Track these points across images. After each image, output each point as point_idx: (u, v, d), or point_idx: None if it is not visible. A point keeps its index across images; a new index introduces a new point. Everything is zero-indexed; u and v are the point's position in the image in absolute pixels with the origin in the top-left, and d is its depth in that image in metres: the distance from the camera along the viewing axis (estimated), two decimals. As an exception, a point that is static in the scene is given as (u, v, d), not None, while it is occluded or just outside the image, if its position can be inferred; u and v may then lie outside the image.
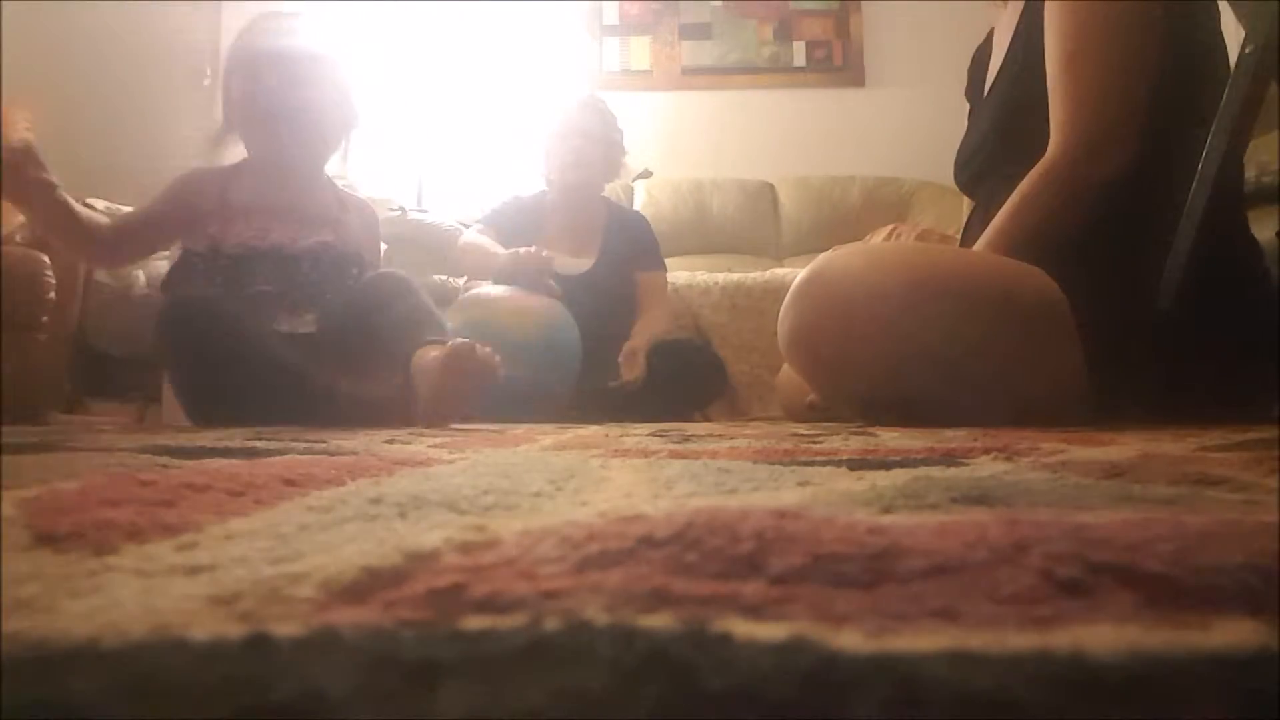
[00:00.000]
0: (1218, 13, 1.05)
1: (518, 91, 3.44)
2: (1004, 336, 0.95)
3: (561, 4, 3.63)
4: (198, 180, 1.38)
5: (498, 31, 3.53)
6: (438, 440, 0.73)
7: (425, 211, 2.92)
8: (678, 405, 1.81)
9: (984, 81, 1.25)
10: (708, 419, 1.94)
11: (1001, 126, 1.12)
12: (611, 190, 3.01)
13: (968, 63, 1.34)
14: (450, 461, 0.45)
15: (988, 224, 1.07)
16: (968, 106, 1.32)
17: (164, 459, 0.47)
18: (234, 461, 0.41)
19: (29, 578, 0.18)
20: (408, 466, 0.41)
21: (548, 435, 0.86)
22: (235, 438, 0.76)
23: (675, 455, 0.52)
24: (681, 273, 2.64)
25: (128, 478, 0.32)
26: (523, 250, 1.76)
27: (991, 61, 1.23)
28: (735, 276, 2.64)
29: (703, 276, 2.66)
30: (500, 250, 1.83)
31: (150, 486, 0.29)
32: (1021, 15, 1.12)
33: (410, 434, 0.87)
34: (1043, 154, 1.01)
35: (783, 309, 1.06)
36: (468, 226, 2.78)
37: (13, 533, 0.23)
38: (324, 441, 0.69)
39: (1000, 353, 0.94)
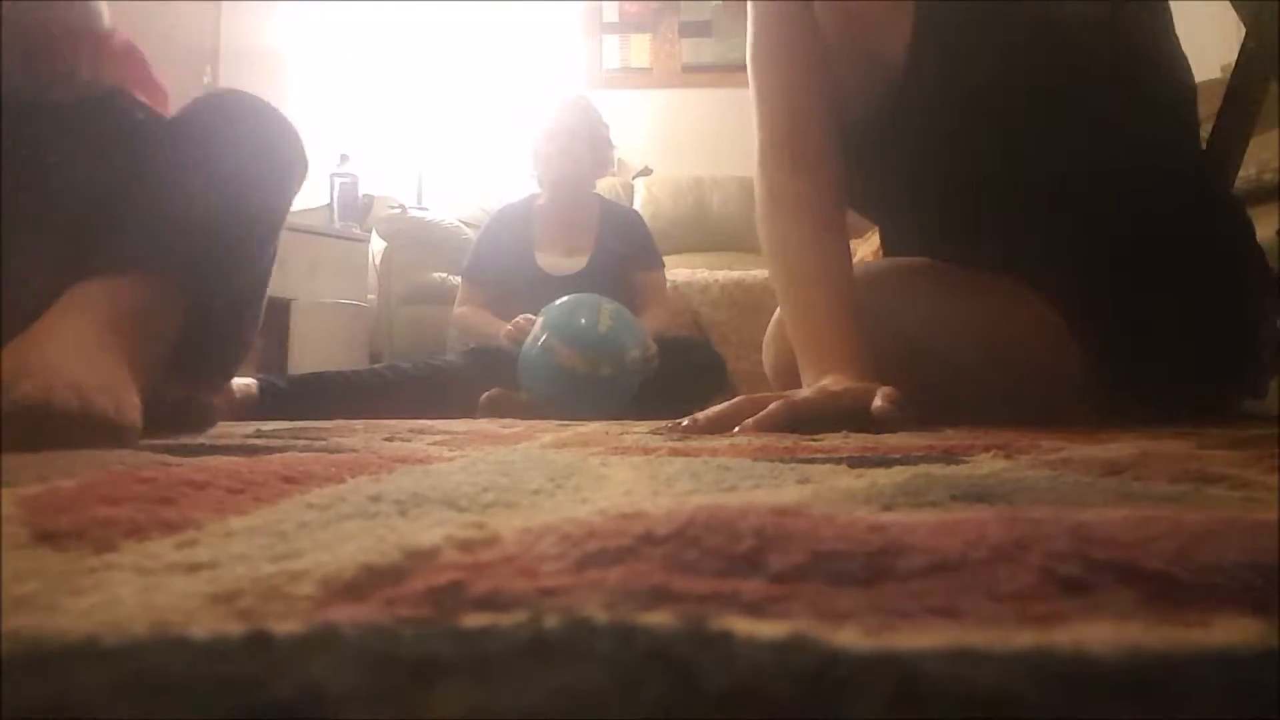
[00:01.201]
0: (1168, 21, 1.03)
1: (516, 89, 3.43)
2: (993, 354, 0.95)
3: (560, 3, 3.63)
4: None
5: (496, 29, 3.53)
6: (438, 438, 0.73)
7: (425, 209, 2.92)
8: (677, 403, 1.81)
9: None
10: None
11: None
12: (610, 188, 3.02)
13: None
14: (450, 459, 0.45)
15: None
16: None
17: (164, 456, 0.47)
18: (234, 459, 0.41)
19: (29, 575, 0.18)
20: (407, 464, 0.41)
21: (547, 433, 0.86)
22: (235, 435, 0.76)
23: (675, 453, 0.52)
24: (681, 270, 2.64)
25: (128, 475, 0.32)
26: (520, 320, 1.85)
27: None
28: (735, 274, 2.64)
29: (702, 274, 2.66)
30: (493, 319, 1.99)
31: (150, 484, 0.29)
32: None
33: (410, 431, 0.87)
34: None
35: (765, 339, 1.07)
36: (468, 225, 2.79)
37: (13, 530, 0.23)
38: (324, 439, 0.69)
39: (989, 366, 0.95)
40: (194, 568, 0.19)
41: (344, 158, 2.93)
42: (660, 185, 3.30)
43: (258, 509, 0.26)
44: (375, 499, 0.27)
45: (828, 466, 0.40)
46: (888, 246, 1.24)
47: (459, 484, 0.31)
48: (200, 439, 0.69)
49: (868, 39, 0.97)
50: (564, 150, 2.09)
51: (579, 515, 0.23)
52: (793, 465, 0.41)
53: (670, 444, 0.62)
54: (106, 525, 0.23)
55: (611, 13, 3.71)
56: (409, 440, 0.69)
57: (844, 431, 0.76)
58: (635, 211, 2.49)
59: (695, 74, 3.66)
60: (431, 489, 0.29)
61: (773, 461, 0.44)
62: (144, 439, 0.62)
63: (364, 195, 2.96)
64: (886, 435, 0.72)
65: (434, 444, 0.64)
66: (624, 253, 2.12)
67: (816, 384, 0.85)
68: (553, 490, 0.30)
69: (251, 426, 1.03)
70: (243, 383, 1.58)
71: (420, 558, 0.19)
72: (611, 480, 0.35)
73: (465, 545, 0.20)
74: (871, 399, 0.77)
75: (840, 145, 0.99)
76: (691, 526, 0.20)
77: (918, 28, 0.95)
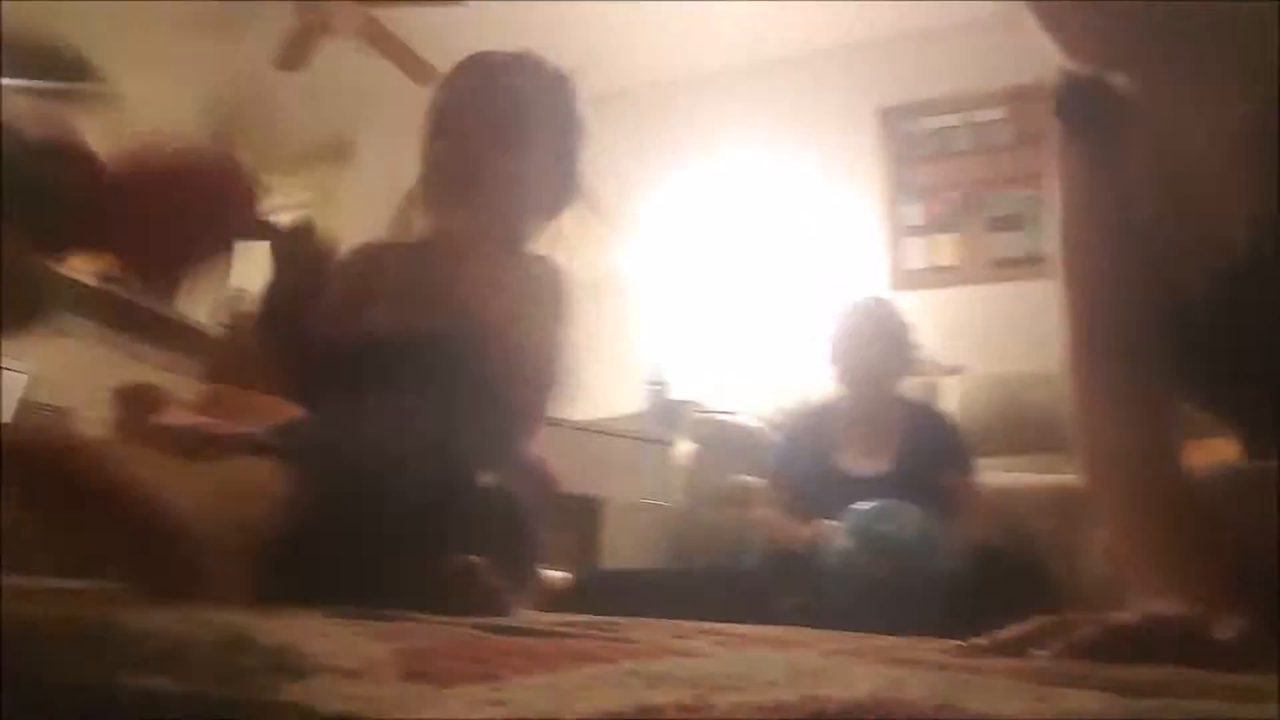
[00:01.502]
0: None
1: (809, 290, 3.58)
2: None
3: (854, 205, 3.79)
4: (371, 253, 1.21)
5: (793, 233, 3.76)
6: (719, 638, 0.78)
7: (731, 413, 3.09)
8: (990, 617, 1.65)
9: None
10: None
11: None
12: (919, 387, 2.97)
13: None
14: (711, 654, 0.50)
15: None
16: None
17: (480, 633, 0.57)
18: (533, 640, 0.50)
19: (398, 700, 0.27)
20: (674, 655, 0.47)
21: (834, 642, 0.86)
22: (540, 621, 0.86)
23: (944, 667, 0.51)
24: (999, 474, 2.48)
25: (461, 642, 0.42)
26: (818, 525, 1.88)
27: None
28: (1057, 478, 2.41)
29: (1021, 477, 2.47)
30: (792, 524, 2.01)
31: (475, 648, 0.38)
32: None
33: (698, 631, 0.92)
34: None
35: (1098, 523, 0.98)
36: (769, 425, 2.90)
37: (388, 670, 0.32)
38: (615, 631, 0.76)
39: None
40: (498, 704, 0.26)
41: (657, 367, 3.26)
42: (972, 383, 3.18)
43: (543, 674, 0.34)
44: (632, 674, 0.33)
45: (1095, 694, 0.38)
46: (1242, 441, 1.09)
47: (707, 668, 0.36)
48: (511, 622, 0.80)
49: (1198, 213, 0.91)
50: (862, 358, 2.15)
51: (786, 698, 0.27)
52: (1054, 689, 0.39)
53: (951, 659, 0.60)
54: (448, 671, 0.31)
55: (915, 215, 3.78)
56: (692, 638, 0.74)
57: (1173, 665, 0.67)
58: (944, 413, 2.42)
59: (1007, 268, 3.56)
60: (679, 670, 0.35)
61: (1043, 685, 0.42)
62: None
63: (672, 399, 3.23)
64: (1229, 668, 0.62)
65: (714, 643, 0.68)
66: (930, 454, 2.07)
67: (1144, 606, 0.76)
68: (783, 684, 0.34)
69: (557, 615, 1.14)
70: (555, 575, 1.76)
71: (648, 711, 0.24)
72: (848, 684, 0.37)
73: (684, 708, 0.25)
74: (1209, 627, 0.68)
75: (1168, 329, 0.91)
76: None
77: (1257, 199, 0.87)
